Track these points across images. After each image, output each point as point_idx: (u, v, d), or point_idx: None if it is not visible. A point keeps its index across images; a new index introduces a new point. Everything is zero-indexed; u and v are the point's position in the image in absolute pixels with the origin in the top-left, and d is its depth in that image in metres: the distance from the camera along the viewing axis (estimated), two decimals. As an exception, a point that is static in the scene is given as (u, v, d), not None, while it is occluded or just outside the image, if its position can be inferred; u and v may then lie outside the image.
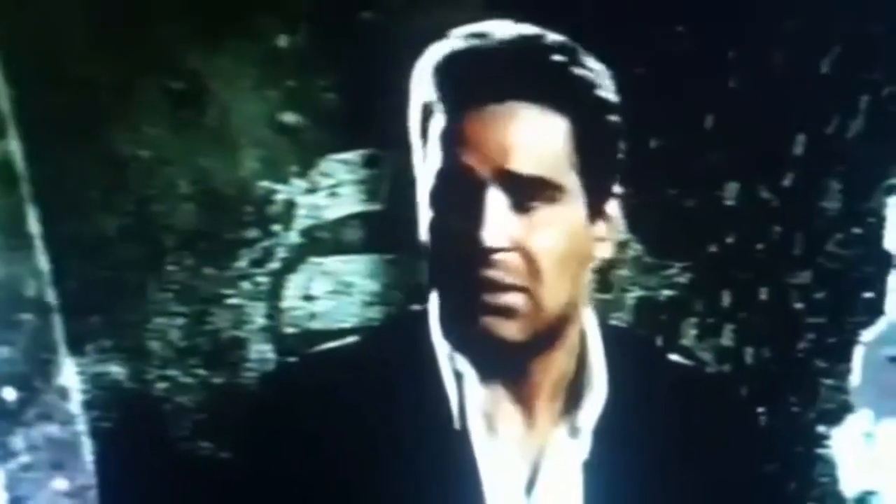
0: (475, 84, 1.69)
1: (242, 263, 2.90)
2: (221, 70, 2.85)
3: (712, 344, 2.94)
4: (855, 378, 2.94)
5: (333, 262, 2.91)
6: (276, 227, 2.89)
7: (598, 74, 1.73)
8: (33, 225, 2.85)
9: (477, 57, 1.71)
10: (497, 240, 1.66)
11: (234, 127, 2.86)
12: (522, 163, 1.68)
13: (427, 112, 1.73)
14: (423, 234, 1.72)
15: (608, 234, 1.76)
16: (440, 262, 1.70)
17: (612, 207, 1.76)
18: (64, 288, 2.86)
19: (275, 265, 2.90)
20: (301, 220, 2.90)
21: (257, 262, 2.89)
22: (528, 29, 1.73)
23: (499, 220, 1.66)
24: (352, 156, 2.90)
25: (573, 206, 1.71)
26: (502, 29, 1.74)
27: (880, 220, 2.93)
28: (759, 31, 2.92)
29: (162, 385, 2.90)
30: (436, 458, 1.73)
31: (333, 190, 2.90)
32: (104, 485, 2.86)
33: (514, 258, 1.67)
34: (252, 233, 2.89)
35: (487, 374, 1.74)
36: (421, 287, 2.91)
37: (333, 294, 2.90)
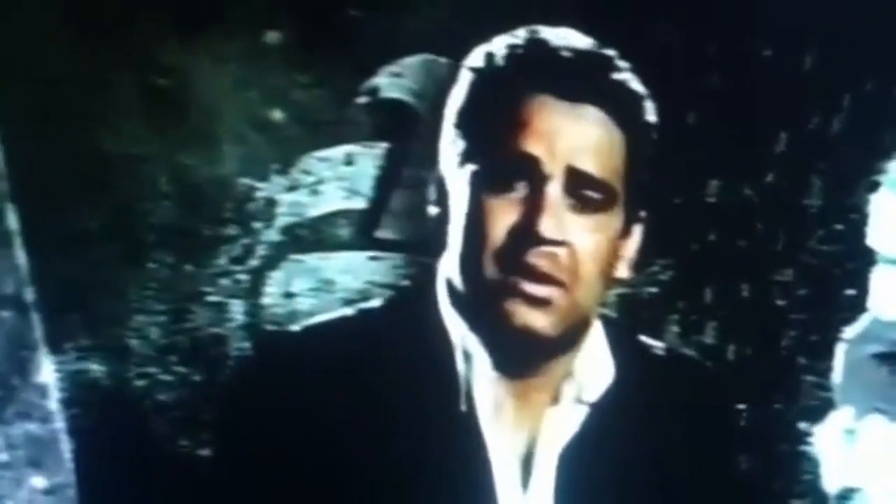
0: (553, 78, 1.70)
1: (222, 261, 2.89)
2: (202, 67, 2.84)
3: (695, 341, 2.94)
4: (837, 375, 2.94)
5: (314, 260, 2.91)
6: (257, 225, 2.89)
7: (646, 96, 1.76)
8: (12, 222, 2.84)
9: (556, 52, 1.72)
10: (553, 232, 1.67)
11: (214, 124, 2.85)
12: (591, 163, 1.69)
13: (488, 95, 1.73)
14: (456, 215, 1.71)
15: (628, 254, 1.78)
16: (478, 245, 1.70)
17: (637, 229, 1.78)
18: (42, 285, 2.85)
19: (255, 262, 2.90)
20: (282, 218, 2.90)
21: (237, 260, 2.89)
22: (590, 41, 1.76)
23: (557, 214, 1.68)
24: (333, 153, 2.90)
25: (617, 218, 1.73)
26: (572, 35, 1.77)
27: (862, 217, 2.94)
28: (741, 29, 2.92)
29: (141, 383, 2.89)
30: (442, 439, 1.73)
31: (314, 187, 2.90)
32: (83, 483, 2.85)
33: (562, 253, 1.68)
34: (232, 230, 2.89)
35: (500, 361, 1.74)
36: (402, 284, 2.91)
37: (314, 291, 2.89)
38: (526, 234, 1.66)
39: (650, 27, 2.88)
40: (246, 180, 2.87)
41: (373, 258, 2.90)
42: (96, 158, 2.84)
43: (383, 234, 2.93)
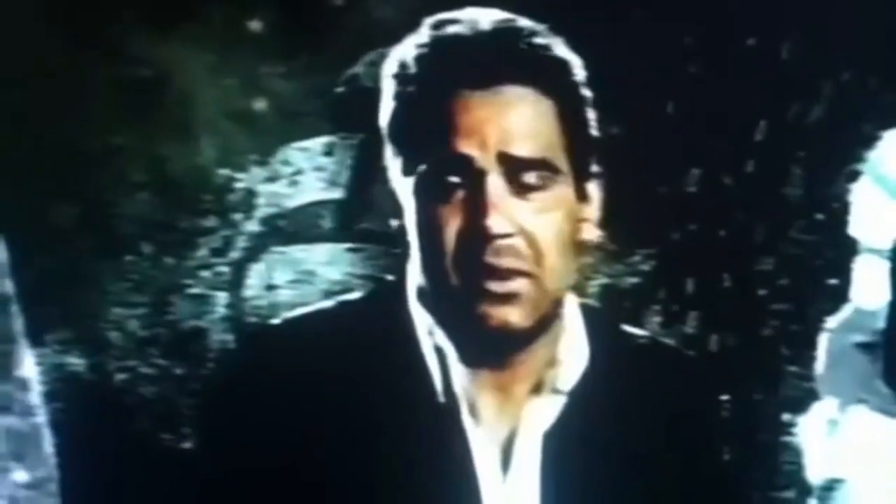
0: (465, 70, 1.68)
1: (202, 253, 2.89)
2: (180, 57, 2.83)
3: (676, 331, 2.94)
4: (820, 365, 2.93)
5: (295, 251, 2.90)
6: (236, 216, 2.89)
7: (566, 58, 1.74)
8: (-9, 215, 2.84)
9: (462, 43, 1.69)
10: (502, 226, 1.65)
11: (192, 115, 2.85)
12: (523, 146, 1.67)
13: (408, 103, 1.71)
14: (410, 226, 1.70)
15: (591, 215, 1.77)
16: (435, 253, 1.68)
17: (593, 188, 1.77)
18: (22, 278, 2.85)
19: (235, 254, 2.89)
20: (261, 209, 2.89)
21: (217, 252, 2.89)
22: (503, 14, 1.73)
23: (502, 207, 1.66)
24: (312, 144, 2.90)
25: (566, 188, 1.71)
26: (478, 15, 1.74)
27: (844, 206, 2.93)
28: (720, 18, 2.92)
29: (122, 376, 2.88)
30: (422, 431, 1.72)
31: (294, 178, 2.89)
32: (64, 477, 2.84)
33: (518, 243, 1.66)
34: (212, 222, 2.88)
35: (476, 357, 1.74)
36: (383, 275, 2.91)
37: (295, 283, 2.89)
38: (477, 235, 1.65)
39: (630, 17, 2.87)
40: (225, 171, 2.86)
41: (353, 249, 2.90)
42: (75, 150, 2.83)
43: (363, 224, 2.92)
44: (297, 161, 2.89)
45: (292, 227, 2.89)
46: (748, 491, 2.88)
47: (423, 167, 1.67)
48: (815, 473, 2.94)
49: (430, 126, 1.66)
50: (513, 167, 1.65)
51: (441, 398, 1.71)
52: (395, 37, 2.97)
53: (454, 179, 1.65)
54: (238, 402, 1.72)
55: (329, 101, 2.89)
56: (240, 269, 2.89)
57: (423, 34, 1.73)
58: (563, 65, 1.71)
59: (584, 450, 1.73)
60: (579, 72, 1.71)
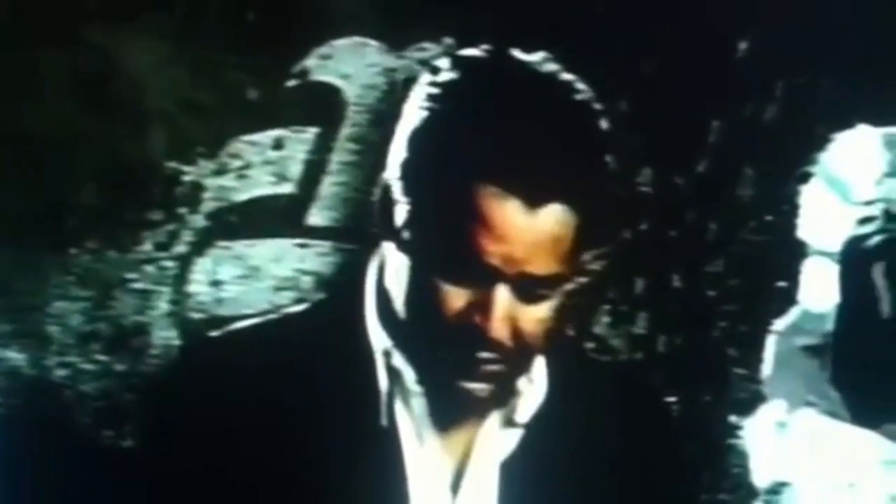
0: (521, 175, 1.60)
1: (147, 247, 2.85)
2: (128, 46, 2.80)
3: (625, 331, 2.94)
4: (768, 367, 2.94)
5: (242, 247, 2.87)
6: (183, 210, 2.85)
7: (612, 163, 1.68)
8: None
9: (528, 142, 1.61)
10: (502, 335, 1.63)
11: (139, 105, 2.81)
12: (544, 266, 1.63)
13: (437, 158, 1.63)
14: (400, 269, 1.65)
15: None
16: (424, 316, 1.65)
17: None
18: (-39, 270, 2.81)
19: (181, 249, 2.86)
20: (208, 203, 2.86)
21: (162, 246, 2.85)
22: (575, 98, 1.65)
23: (508, 316, 1.63)
24: (261, 137, 2.87)
25: (567, 285, 1.69)
26: (552, 88, 1.66)
27: (794, 208, 2.94)
28: (674, 17, 2.92)
29: (62, 371, 2.85)
30: (359, 452, 1.70)
31: (242, 172, 2.86)
32: (2, 473, 2.80)
33: (508, 339, 1.64)
34: (157, 215, 2.85)
35: (430, 390, 1.72)
36: (331, 273, 2.89)
37: (242, 279, 2.86)
38: (475, 333, 1.63)
39: (583, 15, 2.87)
40: (172, 164, 2.83)
41: (302, 245, 2.88)
42: (17, 140, 2.79)
43: (313, 220, 2.90)
44: (246, 154, 2.86)
45: (240, 222, 2.86)
46: (695, 493, 2.88)
47: (435, 243, 1.61)
48: (761, 476, 2.95)
49: (456, 207, 1.60)
50: (527, 282, 1.62)
51: (384, 422, 1.69)
52: (348, 29, 2.95)
53: (468, 274, 1.61)
54: (179, 409, 1.70)
55: (280, 94, 2.86)
56: (185, 264, 2.86)
57: (479, 86, 1.64)
58: (607, 175, 1.65)
59: (542, 476, 1.72)
60: (610, 179, 1.66)
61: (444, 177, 1.62)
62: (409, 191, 1.64)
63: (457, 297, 1.64)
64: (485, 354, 1.64)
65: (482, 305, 1.63)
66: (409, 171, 1.64)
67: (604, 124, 1.66)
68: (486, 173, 1.59)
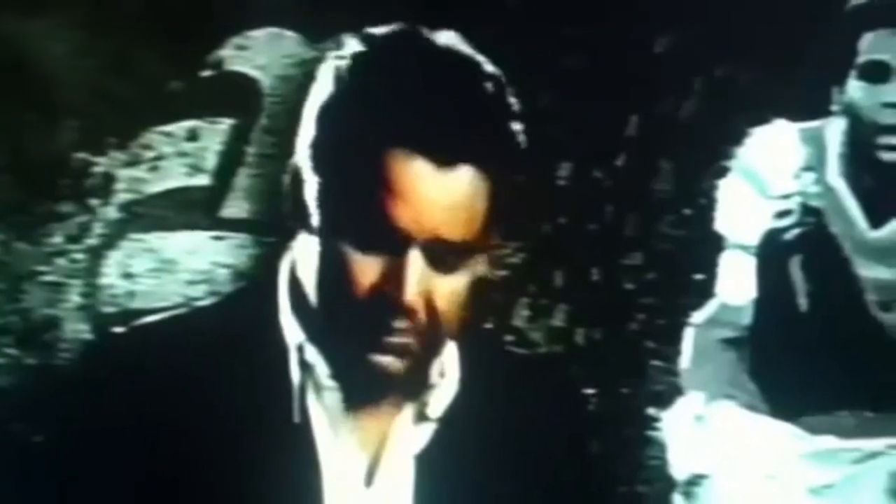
0: (429, 133, 1.59)
1: (58, 239, 2.82)
2: (39, 34, 2.76)
3: (544, 324, 2.94)
4: (685, 360, 2.95)
5: (155, 239, 2.85)
6: (94, 202, 2.83)
7: (521, 132, 1.68)
8: None
9: (435, 102, 1.61)
10: (415, 301, 1.61)
11: (50, 95, 2.78)
12: (457, 231, 1.62)
13: (342, 129, 1.62)
14: (311, 255, 1.64)
15: (490, 258, 1.75)
16: (335, 291, 1.63)
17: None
18: None
19: (92, 241, 2.83)
20: (120, 195, 2.84)
21: (74, 238, 2.82)
22: (481, 67, 1.65)
23: (420, 283, 1.62)
24: (175, 128, 2.85)
25: (481, 256, 1.67)
26: (455, 61, 1.66)
27: (711, 202, 2.95)
28: (594, 12, 2.92)
29: (-29, 366, 2.82)
30: (272, 448, 1.68)
31: (155, 163, 2.84)
32: None
33: (421, 309, 1.63)
34: (68, 207, 2.82)
35: (341, 371, 1.70)
36: (246, 266, 2.87)
37: (155, 272, 2.84)
38: (388, 302, 1.61)
39: (504, 8, 2.87)
40: (82, 154, 2.80)
41: (217, 238, 2.86)
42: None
43: (228, 212, 2.88)
44: (159, 145, 2.84)
45: (153, 214, 2.84)
46: (612, 485, 2.88)
47: (344, 211, 1.61)
48: (679, 468, 2.96)
49: (365, 173, 1.59)
50: (439, 248, 1.61)
51: (296, 418, 1.68)
52: (263, 19, 2.93)
53: (379, 241, 1.59)
54: (89, 404, 1.68)
55: (195, 85, 2.84)
56: (96, 256, 2.83)
57: (376, 51, 1.64)
58: (511, 139, 1.65)
59: (458, 468, 1.71)
60: (521, 148, 1.66)
61: (352, 148, 1.61)
62: (318, 169, 1.63)
63: (369, 267, 1.62)
64: (396, 323, 1.62)
65: (395, 272, 1.61)
66: (318, 150, 1.63)
67: (512, 99, 1.65)
68: (394, 139, 1.58)
